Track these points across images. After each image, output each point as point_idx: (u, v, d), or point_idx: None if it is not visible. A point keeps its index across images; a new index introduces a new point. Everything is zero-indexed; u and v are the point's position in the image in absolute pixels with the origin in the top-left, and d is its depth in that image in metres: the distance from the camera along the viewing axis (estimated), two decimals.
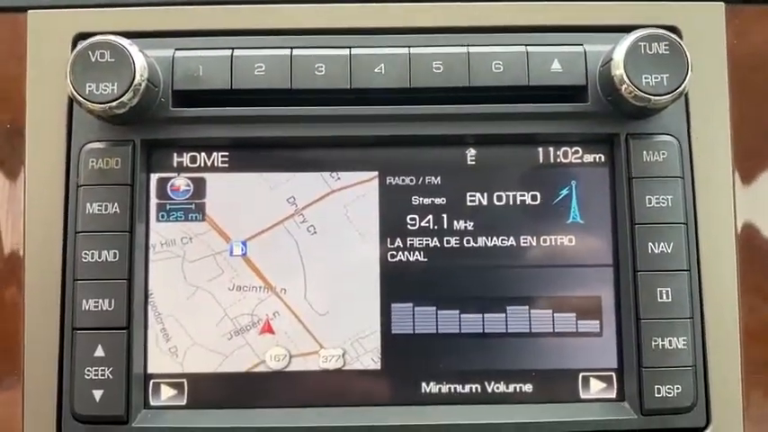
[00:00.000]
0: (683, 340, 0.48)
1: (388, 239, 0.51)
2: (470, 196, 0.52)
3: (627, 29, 0.48)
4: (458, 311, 0.51)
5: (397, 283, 0.51)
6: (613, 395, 0.50)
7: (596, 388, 0.50)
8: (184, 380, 0.50)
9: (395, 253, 0.51)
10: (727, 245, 0.50)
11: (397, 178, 0.52)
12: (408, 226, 0.52)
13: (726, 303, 0.50)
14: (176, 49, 0.51)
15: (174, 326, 0.50)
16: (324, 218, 0.52)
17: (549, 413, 0.49)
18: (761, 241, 0.51)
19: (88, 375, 0.48)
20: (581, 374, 0.50)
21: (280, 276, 0.51)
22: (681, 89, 0.47)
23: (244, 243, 0.51)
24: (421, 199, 0.52)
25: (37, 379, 0.49)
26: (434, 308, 0.51)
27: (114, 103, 0.46)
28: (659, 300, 0.49)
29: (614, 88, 0.48)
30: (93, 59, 0.47)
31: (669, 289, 0.49)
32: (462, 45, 0.50)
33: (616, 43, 0.48)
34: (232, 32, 0.52)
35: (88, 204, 0.49)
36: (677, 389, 0.48)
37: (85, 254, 0.49)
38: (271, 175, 0.52)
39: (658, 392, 0.48)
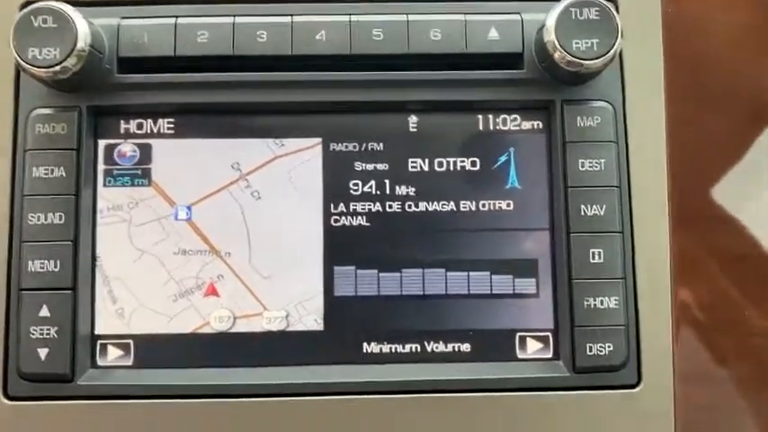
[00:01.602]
0: (615, 300, 0.50)
1: (332, 204, 0.53)
2: (412, 162, 0.53)
3: None
4: (399, 274, 0.52)
5: (340, 247, 0.52)
6: (549, 355, 0.51)
7: (533, 348, 0.52)
8: (131, 341, 0.51)
9: (338, 218, 0.52)
10: (660, 208, 0.51)
11: (340, 144, 0.53)
12: (351, 191, 0.53)
13: (657, 265, 0.51)
14: (122, 17, 0.52)
15: (120, 288, 0.52)
16: (268, 183, 0.53)
17: (485, 371, 0.50)
18: (692, 204, 0.52)
19: (33, 334, 0.49)
20: (518, 334, 0.52)
21: (224, 240, 0.52)
22: (611, 54, 0.48)
23: (188, 208, 0.52)
24: (364, 165, 0.53)
25: None
26: (376, 271, 0.52)
27: (57, 68, 0.47)
28: (591, 261, 0.50)
29: (547, 54, 0.49)
30: (36, 25, 0.48)
31: (601, 250, 0.50)
32: (402, 13, 0.52)
33: (549, 10, 0.49)
34: (177, 1, 0.53)
35: (35, 168, 0.50)
36: (608, 347, 0.49)
37: (32, 216, 0.50)
38: (215, 142, 0.53)
39: (590, 350, 0.49)
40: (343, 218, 0.53)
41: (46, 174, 0.50)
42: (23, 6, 0.51)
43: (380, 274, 0.52)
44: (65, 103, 0.51)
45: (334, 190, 0.53)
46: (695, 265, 0.52)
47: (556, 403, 0.50)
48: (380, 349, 0.52)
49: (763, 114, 0.56)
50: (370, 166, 0.53)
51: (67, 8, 0.48)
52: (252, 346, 0.52)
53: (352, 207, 0.53)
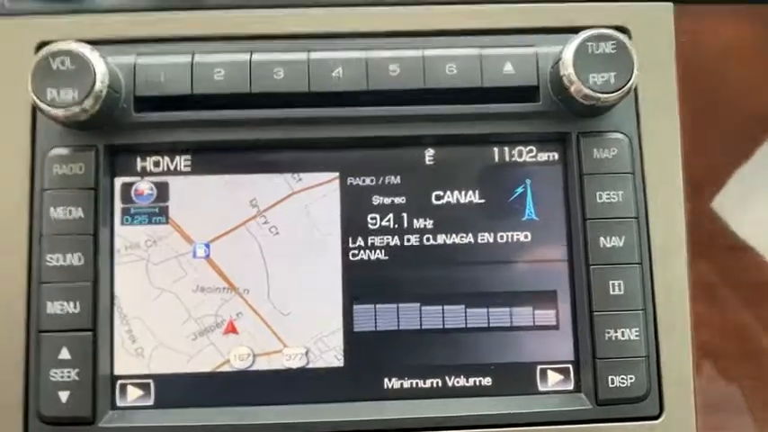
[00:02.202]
0: (636, 331, 0.50)
1: (350, 239, 0.53)
2: (429, 195, 0.53)
3: (577, 30, 0.50)
4: (419, 307, 0.52)
5: (359, 282, 0.52)
6: (570, 387, 0.51)
7: (554, 380, 0.52)
8: (151, 380, 0.51)
9: (356, 252, 0.52)
10: (677, 238, 0.52)
11: (357, 179, 0.53)
12: (369, 225, 0.53)
13: (676, 295, 0.51)
14: (138, 55, 0.52)
15: (139, 327, 0.51)
16: (286, 219, 0.53)
17: (508, 405, 0.50)
18: (709, 234, 0.53)
19: (54, 377, 0.48)
20: (539, 367, 0.52)
21: (243, 277, 0.52)
22: (627, 87, 0.48)
23: (207, 245, 0.52)
24: (381, 198, 0.53)
25: (2, 381, 0.49)
26: (395, 305, 0.52)
27: (75, 109, 0.47)
28: (612, 293, 0.50)
29: (564, 87, 0.49)
30: (54, 67, 0.48)
31: (621, 282, 0.50)
32: (418, 48, 0.52)
33: (565, 44, 0.50)
34: (193, 39, 0.53)
35: (52, 209, 0.50)
36: (630, 379, 0.49)
37: (50, 257, 0.50)
38: (232, 178, 0.53)
39: (612, 383, 0.49)
40: (362, 252, 0.53)
41: (64, 214, 0.50)
42: (39, 46, 0.51)
43: (400, 309, 0.52)
44: (82, 142, 0.51)
45: (353, 224, 0.53)
46: (714, 294, 0.52)
47: None
48: (401, 384, 0.52)
49: None
50: (387, 200, 0.53)
51: (85, 49, 0.48)
52: (272, 383, 0.51)
53: (370, 241, 0.53)
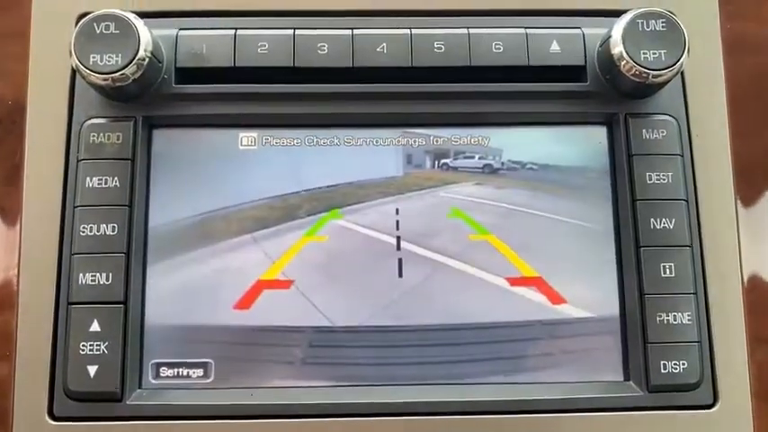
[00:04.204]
0: (688, 315, 0.48)
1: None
2: None
3: (620, 13, 0.49)
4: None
5: None
6: (619, 373, 0.49)
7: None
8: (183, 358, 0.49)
9: None
10: (728, 221, 0.50)
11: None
12: None
13: (729, 279, 0.49)
14: (180, 29, 0.51)
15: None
16: None
17: (554, 391, 0.48)
18: (760, 216, 0.51)
19: (83, 350, 0.46)
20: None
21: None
22: (679, 64, 0.48)
23: None
24: None
25: (29, 355, 0.47)
26: None
27: (117, 75, 0.47)
28: (663, 275, 0.49)
29: (614, 65, 0.49)
30: (98, 31, 0.47)
31: (672, 264, 0.49)
32: (462, 27, 0.51)
33: (614, 22, 0.49)
34: (235, 13, 0.52)
35: (88, 178, 0.49)
36: (683, 364, 0.47)
37: (84, 227, 0.48)
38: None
39: (664, 368, 0.47)
40: None
41: (99, 184, 0.49)
42: (80, 18, 0.51)
43: None
44: (120, 113, 0.50)
45: None
46: (767, 277, 0.50)
47: (628, 424, 0.47)
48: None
49: None
50: None
51: (130, 15, 0.47)
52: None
53: None
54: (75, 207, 0.49)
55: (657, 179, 0.50)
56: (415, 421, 0.47)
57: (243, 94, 0.51)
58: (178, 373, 0.49)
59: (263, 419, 0.47)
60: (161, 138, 0.51)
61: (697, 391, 0.48)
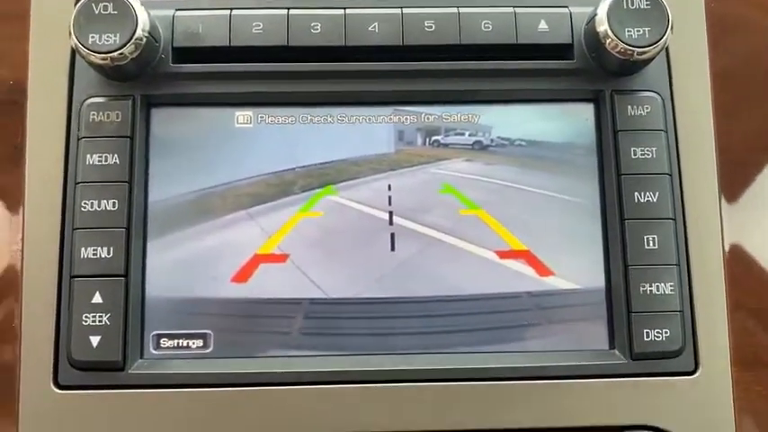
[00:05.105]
0: (671, 286, 0.50)
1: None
2: None
3: None
4: None
5: None
6: (604, 342, 0.51)
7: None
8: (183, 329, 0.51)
9: None
10: (710, 194, 0.52)
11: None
12: None
13: (710, 250, 0.51)
14: (177, 9, 0.52)
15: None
16: None
17: (540, 359, 0.50)
18: (741, 189, 0.53)
19: (85, 321, 0.48)
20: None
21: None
22: (662, 41, 0.49)
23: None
24: None
25: (35, 327, 0.49)
26: None
27: (115, 54, 0.48)
28: (646, 247, 0.50)
29: (599, 43, 0.50)
30: (97, 11, 0.48)
31: (656, 236, 0.50)
32: (452, 6, 0.53)
33: (600, 1, 0.50)
34: None
35: (88, 156, 0.50)
36: (665, 333, 0.49)
37: (85, 203, 0.50)
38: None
39: (647, 336, 0.49)
40: None
41: (99, 161, 0.50)
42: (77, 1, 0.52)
43: None
44: (119, 92, 0.51)
45: None
46: (748, 248, 0.52)
47: (613, 389, 0.49)
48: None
49: None
50: None
51: None
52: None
53: None
54: (76, 184, 0.50)
55: (642, 154, 0.51)
56: (407, 388, 0.49)
57: (238, 72, 0.52)
58: (178, 344, 0.50)
59: (260, 387, 0.49)
60: (159, 116, 0.53)
61: (679, 359, 0.49)
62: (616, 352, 0.50)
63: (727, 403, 0.49)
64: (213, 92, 0.52)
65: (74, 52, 0.51)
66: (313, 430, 0.49)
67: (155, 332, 0.50)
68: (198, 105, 0.53)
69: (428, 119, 0.54)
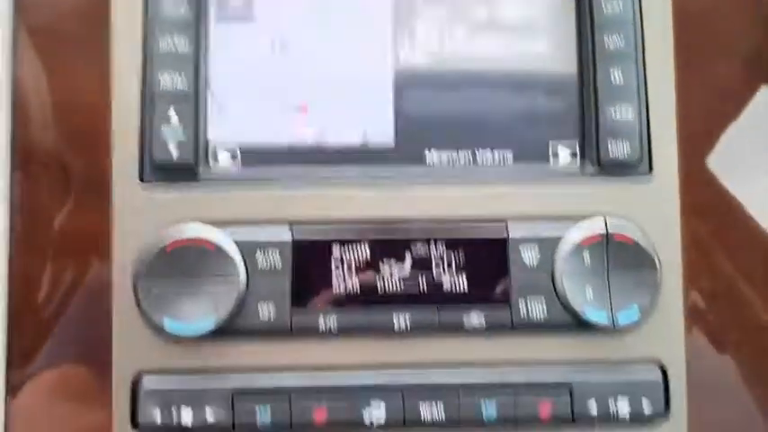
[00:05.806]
0: (632, 111, 0.62)
1: None
2: None
3: None
4: None
5: None
6: (577, 158, 0.64)
7: (563, 154, 0.64)
8: (238, 148, 0.63)
9: None
10: (666, 32, 0.64)
11: None
12: None
13: (664, 84, 0.64)
14: None
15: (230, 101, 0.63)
16: None
17: (523, 173, 0.63)
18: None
19: (165, 131, 0.60)
20: (550, 143, 0.65)
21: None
22: None
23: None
24: None
25: (124, 140, 0.61)
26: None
27: None
28: (614, 83, 0.63)
29: None
30: None
31: (621, 72, 0.63)
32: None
33: None
34: None
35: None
36: (626, 146, 0.62)
37: (162, 41, 0.61)
38: None
39: (612, 148, 0.62)
40: None
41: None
42: None
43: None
44: None
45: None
46: (698, 87, 0.65)
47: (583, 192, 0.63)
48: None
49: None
50: None
51: None
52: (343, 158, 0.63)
53: None
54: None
55: (612, 10, 0.63)
56: None
57: None
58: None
59: None
60: None
61: (638, 167, 0.63)
62: (587, 163, 0.64)
63: (675, 200, 0.63)
64: None
65: None
66: None
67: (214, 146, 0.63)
68: None
69: None
